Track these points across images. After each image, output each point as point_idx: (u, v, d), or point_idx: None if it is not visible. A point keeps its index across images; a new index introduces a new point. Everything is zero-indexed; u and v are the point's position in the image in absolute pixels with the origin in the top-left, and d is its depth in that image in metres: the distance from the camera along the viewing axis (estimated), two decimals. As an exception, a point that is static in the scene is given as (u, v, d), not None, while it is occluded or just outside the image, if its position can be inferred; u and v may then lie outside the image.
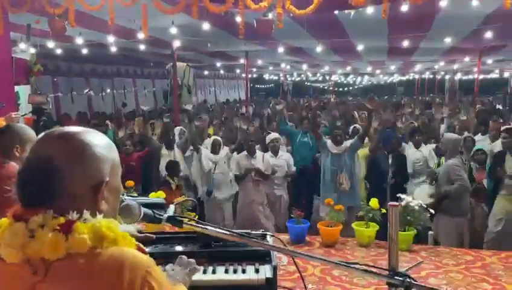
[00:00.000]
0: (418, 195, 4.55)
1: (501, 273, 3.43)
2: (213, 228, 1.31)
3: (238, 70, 19.06)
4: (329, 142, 5.43)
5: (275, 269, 1.50)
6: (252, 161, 5.37)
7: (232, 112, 12.45)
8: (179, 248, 1.68)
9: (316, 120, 6.39)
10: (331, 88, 31.50)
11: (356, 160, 5.56)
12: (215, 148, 5.88)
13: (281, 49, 10.59)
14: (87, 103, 13.67)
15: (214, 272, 1.58)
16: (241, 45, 9.99)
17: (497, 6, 6.30)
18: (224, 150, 5.98)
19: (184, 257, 1.35)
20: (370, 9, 5.12)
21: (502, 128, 5.34)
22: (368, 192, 5.72)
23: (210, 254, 1.65)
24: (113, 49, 8.99)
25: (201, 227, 1.27)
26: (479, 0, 5.70)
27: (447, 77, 20.87)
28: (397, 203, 1.27)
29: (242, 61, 13.56)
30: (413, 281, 1.20)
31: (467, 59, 14.18)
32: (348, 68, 19.66)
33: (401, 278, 1.21)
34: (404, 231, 3.96)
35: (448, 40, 9.88)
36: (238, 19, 5.37)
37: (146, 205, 1.31)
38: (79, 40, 7.09)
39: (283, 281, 3.22)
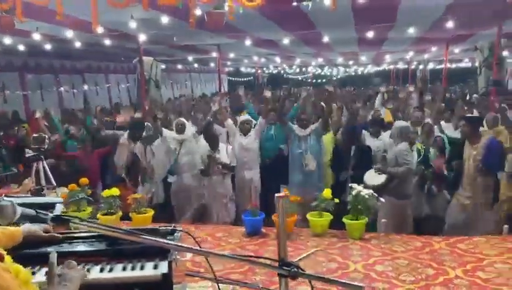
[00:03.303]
0: (368, 177, 4.63)
1: (446, 258, 3.53)
2: (107, 228, 1.29)
3: (212, 64, 18.92)
4: (295, 126, 5.59)
5: (170, 264, 1.50)
6: (216, 154, 5.36)
7: (205, 106, 12.35)
8: (81, 248, 1.66)
9: (282, 109, 6.45)
10: (309, 80, 31.63)
11: (322, 144, 5.67)
12: (178, 128, 5.86)
13: (248, 42, 10.55)
14: (58, 100, 13.40)
15: (111, 270, 1.57)
16: (208, 38, 9.92)
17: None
18: (191, 130, 5.98)
19: (73, 262, 1.33)
20: (327, 1, 5.12)
21: (462, 117, 5.44)
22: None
23: (109, 252, 1.64)
24: (77, 44, 8.81)
25: (91, 226, 1.26)
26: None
27: (421, 66, 21.15)
28: (284, 194, 1.27)
29: (215, 54, 13.47)
30: (300, 271, 1.21)
31: (435, 49, 14.37)
32: (320, 60, 19.74)
33: (288, 268, 1.22)
34: (356, 220, 4.02)
35: (414, 30, 9.97)
36: (199, 12, 5.34)
37: (31, 205, 1.29)
38: (36, 36, 6.90)
39: (232, 273, 3.25)
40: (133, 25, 6.44)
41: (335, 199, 4.17)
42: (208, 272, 3.28)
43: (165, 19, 6.26)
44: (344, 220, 4.08)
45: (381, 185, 4.51)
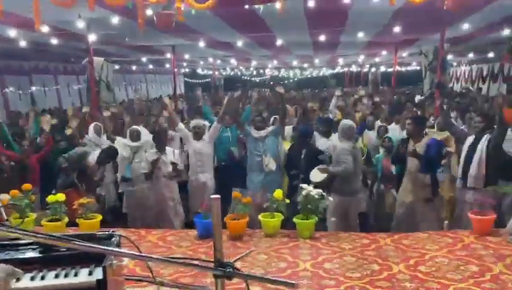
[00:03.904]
0: (312, 175, 4.73)
1: (391, 254, 3.67)
2: (37, 234, 1.25)
3: (168, 65, 18.68)
4: (252, 129, 5.61)
5: (105, 270, 1.48)
6: (163, 157, 5.30)
7: (159, 108, 12.15)
8: (10, 256, 1.60)
9: (238, 111, 6.46)
10: (267, 82, 31.96)
11: (280, 145, 5.73)
12: (132, 136, 5.75)
13: (203, 43, 10.52)
14: (3, 102, 12.73)
15: (42, 278, 1.52)
16: (162, 38, 9.79)
17: (403, 2, 6.65)
18: (146, 137, 5.87)
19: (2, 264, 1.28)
20: (278, 5, 5.20)
21: (409, 117, 5.68)
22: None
23: (42, 259, 1.59)
24: (22, 43, 8.43)
25: (20, 233, 1.22)
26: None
27: (373, 69, 21.94)
28: (219, 196, 1.28)
29: (170, 55, 13.31)
30: (235, 271, 1.23)
31: (385, 53, 14.95)
32: (276, 62, 20.00)
33: (223, 269, 1.23)
34: (306, 219, 4.11)
35: (364, 34, 10.34)
36: (149, 12, 5.26)
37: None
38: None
39: (182, 277, 3.22)
40: (80, 24, 6.25)
41: (286, 199, 4.23)
42: (158, 276, 3.25)
43: (115, 19, 6.12)
44: (295, 220, 4.15)
45: (323, 182, 4.59)
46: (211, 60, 16.81)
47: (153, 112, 10.00)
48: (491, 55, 14.57)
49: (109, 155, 5.50)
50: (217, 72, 21.53)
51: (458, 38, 10.57)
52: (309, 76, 33.97)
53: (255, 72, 30.46)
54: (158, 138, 5.45)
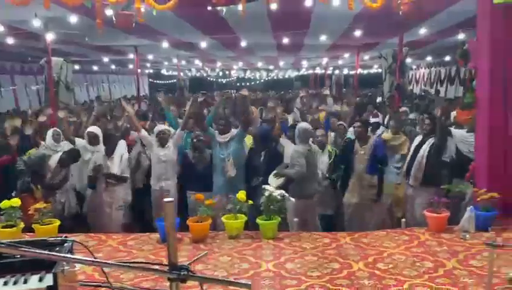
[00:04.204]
0: (271, 178, 4.77)
1: (351, 252, 3.76)
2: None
3: (131, 66, 18.33)
4: (216, 132, 5.55)
5: (56, 276, 1.44)
6: (108, 162, 5.18)
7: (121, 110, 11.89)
8: None
9: (202, 114, 6.40)
10: (233, 83, 32.01)
11: (245, 147, 5.71)
12: (91, 140, 5.60)
13: (166, 44, 10.40)
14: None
15: None
16: (124, 38, 9.61)
17: (362, 8, 6.84)
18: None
19: None
20: (239, 7, 5.22)
21: (357, 119, 5.83)
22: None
23: None
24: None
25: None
26: (343, 1, 6.11)
27: (337, 72, 22.42)
28: (172, 199, 1.28)
29: (132, 56, 13.08)
30: (190, 274, 1.23)
31: (347, 55, 15.28)
32: (241, 63, 20.05)
33: (178, 272, 1.23)
34: (270, 220, 4.14)
35: (327, 37, 10.53)
36: (110, 12, 5.15)
37: None
38: None
39: (144, 281, 3.18)
40: (37, 23, 6.04)
41: (249, 200, 4.25)
42: (118, 281, 3.19)
43: (73, 18, 5.95)
44: (258, 221, 4.18)
45: (280, 185, 4.63)
46: (175, 60, 16.62)
47: (116, 113, 9.79)
48: (448, 58, 15.20)
49: (72, 157, 5.34)
50: (182, 73, 21.30)
51: (416, 42, 10.96)
52: (275, 78, 34.26)
53: (221, 74, 30.43)
54: (107, 141, 5.32)
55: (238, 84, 34.57)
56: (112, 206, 5.21)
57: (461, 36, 9.25)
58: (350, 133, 6.84)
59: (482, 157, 4.53)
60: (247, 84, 35.36)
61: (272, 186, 4.42)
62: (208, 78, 32.96)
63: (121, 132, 6.34)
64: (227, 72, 29.43)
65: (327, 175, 5.49)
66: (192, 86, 25.78)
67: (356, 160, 4.96)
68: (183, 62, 17.95)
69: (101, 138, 5.66)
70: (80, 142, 5.81)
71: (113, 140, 5.46)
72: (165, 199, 1.27)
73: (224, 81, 35.24)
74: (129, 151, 5.74)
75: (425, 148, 4.95)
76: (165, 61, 18.08)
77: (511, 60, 4.25)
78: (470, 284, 3.09)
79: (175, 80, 24.29)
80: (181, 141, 5.70)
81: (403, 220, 4.63)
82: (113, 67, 19.70)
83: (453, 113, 6.61)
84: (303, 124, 5.19)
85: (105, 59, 15.13)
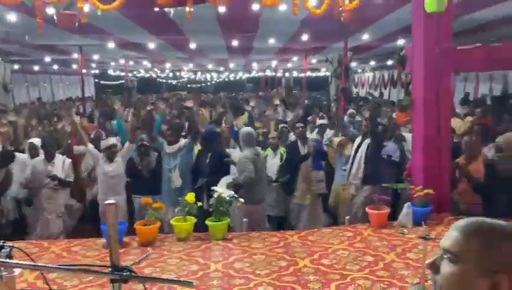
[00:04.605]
0: (221, 185, 4.77)
1: (297, 250, 3.88)
2: None
3: (75, 66, 17.66)
4: (165, 143, 5.48)
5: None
6: (49, 167, 5.01)
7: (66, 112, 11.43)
8: None
9: (151, 121, 6.28)
10: (184, 85, 31.73)
11: (192, 158, 5.67)
12: (31, 153, 5.37)
13: (113, 44, 10.15)
14: None
15: None
16: (68, 38, 9.27)
17: (307, 13, 7.05)
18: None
19: None
20: (187, 8, 5.21)
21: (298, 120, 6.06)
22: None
23: None
24: None
25: None
26: (290, 6, 6.27)
27: (286, 74, 22.88)
28: (114, 202, 1.30)
29: (77, 55, 12.62)
30: (132, 274, 1.25)
31: (296, 59, 15.66)
32: (192, 65, 19.93)
33: (120, 273, 1.25)
34: (219, 221, 4.18)
35: (275, 40, 10.74)
36: (51, 10, 4.96)
37: None
38: None
39: (89, 287, 3.11)
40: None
41: (199, 202, 4.27)
42: (62, 288, 3.10)
43: (12, 16, 5.67)
44: (207, 222, 4.20)
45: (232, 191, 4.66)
46: (122, 61, 16.22)
47: (59, 112, 9.40)
48: (390, 62, 15.96)
49: (5, 158, 5.09)
50: (130, 74, 20.80)
51: (360, 47, 11.45)
52: (226, 79, 34.31)
53: (171, 75, 29.97)
54: (46, 146, 5.13)
55: (188, 85, 34.28)
56: (53, 213, 5.01)
57: (400, 42, 9.77)
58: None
59: (418, 156, 4.83)
60: (198, 85, 35.17)
61: (229, 192, 4.47)
62: (157, 79, 32.40)
63: (63, 149, 6.01)
64: (177, 74, 29.05)
65: (276, 177, 5.61)
66: (140, 86, 25.19)
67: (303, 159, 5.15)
68: (131, 63, 17.56)
69: (40, 149, 5.39)
70: (20, 157, 5.51)
71: (53, 145, 5.25)
72: (107, 201, 1.28)
73: (174, 82, 34.78)
74: (75, 167, 5.52)
75: (364, 148, 5.24)
76: (112, 61, 17.59)
77: (443, 65, 4.57)
78: (406, 275, 3.30)
79: (123, 81, 23.68)
80: (130, 153, 5.45)
81: (347, 217, 4.84)
82: (56, 67, 18.86)
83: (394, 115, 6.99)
84: (246, 129, 5.22)
85: (48, 59, 14.48)
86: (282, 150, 5.87)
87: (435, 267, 1.05)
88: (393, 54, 12.62)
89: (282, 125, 6.97)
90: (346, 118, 8.14)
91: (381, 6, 6.21)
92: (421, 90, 4.67)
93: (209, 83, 36.35)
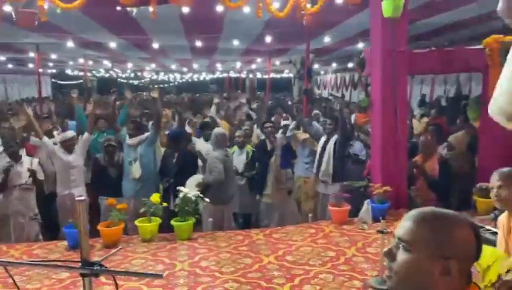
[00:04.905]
0: (189, 184, 4.82)
1: (262, 247, 3.97)
2: None
3: (31, 65, 16.98)
4: (127, 135, 5.44)
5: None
6: (18, 167, 4.86)
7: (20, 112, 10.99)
8: None
9: (115, 115, 6.21)
10: (146, 85, 31.20)
11: (156, 150, 5.65)
12: None
13: (72, 43, 9.88)
14: None
15: None
16: (23, 36, 8.94)
17: (271, 15, 7.16)
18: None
19: None
20: (150, 8, 5.18)
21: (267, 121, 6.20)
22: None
23: None
24: None
25: None
26: (254, 8, 6.36)
27: (250, 75, 23.02)
28: (84, 198, 1.32)
29: (33, 54, 12.17)
30: (103, 268, 1.28)
31: (260, 60, 15.78)
32: (154, 65, 19.67)
33: (91, 267, 1.27)
34: (185, 221, 4.20)
35: (240, 42, 10.80)
36: (8, 8, 4.79)
37: None
38: None
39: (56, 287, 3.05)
40: None
41: (164, 203, 4.26)
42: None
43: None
44: (172, 222, 4.21)
45: (200, 191, 4.71)
46: (81, 60, 15.77)
47: (13, 111, 9.05)
48: (350, 65, 16.40)
49: None
50: (89, 74, 20.21)
51: (322, 50, 11.71)
52: (190, 80, 34.03)
53: (132, 75, 29.40)
54: (8, 145, 4.97)
55: (150, 86, 33.72)
56: (26, 216, 4.85)
57: (360, 45, 10.11)
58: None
59: (377, 155, 5.03)
60: (161, 86, 34.70)
61: (195, 192, 4.50)
62: (118, 79, 31.71)
63: (20, 140, 5.86)
64: (139, 74, 28.53)
65: (242, 172, 5.71)
66: (100, 87, 24.59)
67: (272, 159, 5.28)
68: (91, 62, 17.08)
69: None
70: None
71: (15, 144, 5.09)
72: (77, 198, 1.30)
73: (135, 83, 34.14)
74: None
75: (331, 145, 5.41)
76: (71, 60, 17.06)
77: (400, 67, 4.79)
78: (366, 268, 3.45)
79: (81, 81, 23.01)
80: (87, 145, 5.46)
81: (310, 215, 4.97)
82: (10, 66, 18.08)
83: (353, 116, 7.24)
84: (219, 130, 5.31)
85: (1, 57, 13.86)
86: (249, 147, 5.95)
87: (391, 255, 1.13)
88: (354, 56, 13.05)
89: (246, 128, 7.07)
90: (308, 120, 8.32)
91: (342, 11, 6.39)
92: (379, 92, 4.88)
93: (171, 84, 35.95)
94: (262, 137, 6.81)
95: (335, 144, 5.46)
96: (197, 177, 4.90)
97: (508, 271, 2.39)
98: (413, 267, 1.08)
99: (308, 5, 4.94)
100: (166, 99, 18.56)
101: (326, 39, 9.85)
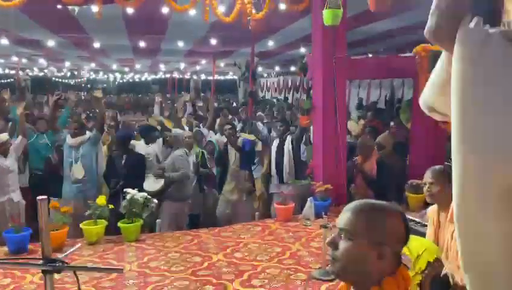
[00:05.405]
0: (147, 185, 4.88)
1: (211, 246, 4.06)
2: None
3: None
4: (68, 135, 5.28)
5: None
6: None
7: None
8: None
9: (55, 115, 6.00)
10: (83, 84, 30.02)
11: (99, 152, 5.53)
12: None
13: (3, 40, 9.36)
14: None
15: None
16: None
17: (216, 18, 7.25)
18: None
19: None
20: (94, 8, 5.09)
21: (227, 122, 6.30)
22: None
23: None
24: None
25: None
26: (200, 10, 6.42)
27: (195, 77, 22.88)
28: (45, 197, 1.36)
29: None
30: (65, 265, 1.32)
31: (204, 62, 15.80)
32: (94, 64, 19.02)
33: (53, 264, 1.31)
34: (132, 222, 4.18)
35: (184, 43, 10.78)
36: None
37: None
38: None
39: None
40: None
41: (110, 205, 4.21)
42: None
43: None
44: (119, 224, 4.18)
45: (161, 190, 4.80)
46: (15, 58, 14.90)
47: None
48: (293, 68, 16.88)
49: None
50: (21, 72, 19.09)
51: (266, 53, 11.99)
52: (131, 80, 33.15)
53: (69, 74, 28.13)
54: None
55: (88, 85, 32.48)
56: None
57: (303, 50, 10.49)
58: (212, 137, 7.19)
59: (318, 155, 5.30)
60: (99, 86, 33.49)
61: (150, 190, 4.53)
62: (53, 79, 30.17)
63: None
64: (76, 73, 27.35)
65: (197, 170, 5.78)
66: (34, 86, 23.27)
67: (230, 158, 5.38)
68: (24, 60, 16.18)
69: None
70: None
71: None
72: (39, 197, 1.33)
73: (72, 82, 32.69)
74: None
75: (288, 145, 5.60)
76: (2, 58, 16.06)
77: (339, 73, 5.09)
78: (310, 262, 3.66)
79: (12, 79, 21.65)
80: (22, 148, 5.22)
81: (257, 213, 5.14)
82: None
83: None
84: (177, 130, 5.53)
85: None
86: (197, 149, 6.00)
87: (334, 244, 1.27)
88: (297, 60, 13.49)
89: (196, 129, 7.11)
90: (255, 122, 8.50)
91: (285, 16, 6.65)
92: (320, 95, 5.15)
93: (111, 84, 34.84)
94: (210, 138, 6.91)
95: (291, 142, 5.64)
96: (151, 178, 4.94)
97: (435, 260, 2.67)
98: (354, 253, 1.21)
99: (254, 11, 5.10)
100: (106, 100, 17.98)
101: (270, 43, 10.12)
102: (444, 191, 2.81)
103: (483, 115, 1.13)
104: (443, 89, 1.34)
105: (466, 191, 1.15)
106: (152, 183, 4.84)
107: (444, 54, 1.36)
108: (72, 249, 1.54)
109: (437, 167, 2.93)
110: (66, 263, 1.32)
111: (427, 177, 2.89)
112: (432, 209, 3.00)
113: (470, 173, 1.14)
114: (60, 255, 1.38)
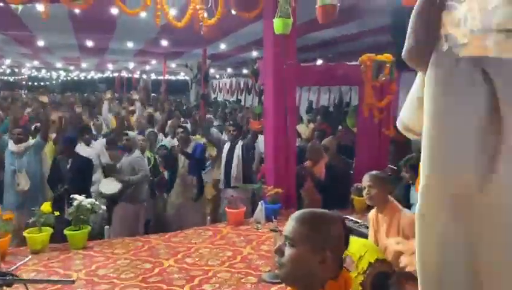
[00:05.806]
0: (103, 186, 4.83)
1: (162, 252, 4.04)
2: None
3: None
4: (10, 141, 5.02)
5: None
6: None
7: None
8: None
9: None
10: (23, 82, 28.45)
11: (43, 157, 5.31)
12: None
13: None
14: None
15: None
16: None
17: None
18: None
19: None
20: (40, 8, 4.88)
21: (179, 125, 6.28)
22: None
23: None
24: None
25: None
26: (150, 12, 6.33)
27: (144, 76, 22.41)
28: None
29: None
30: (15, 278, 1.30)
31: (155, 62, 15.52)
32: (36, 62, 18.14)
33: (4, 277, 1.28)
34: (79, 229, 4.07)
35: (133, 43, 10.56)
36: None
37: None
38: None
39: None
40: None
41: (55, 212, 4.07)
42: None
43: None
44: (66, 232, 4.05)
45: (118, 192, 4.72)
46: None
47: None
48: (245, 71, 17.00)
49: None
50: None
51: (218, 55, 12.00)
52: (76, 78, 31.83)
53: (8, 71, 26.58)
54: None
55: (30, 83, 30.85)
56: None
57: (255, 53, 10.60)
58: (164, 141, 7.10)
59: (270, 159, 5.41)
60: (41, 83, 31.90)
61: (107, 193, 4.44)
62: (-9, 76, 28.36)
63: None
64: (16, 70, 25.90)
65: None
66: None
67: (180, 162, 5.37)
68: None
69: None
70: None
71: None
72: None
73: (12, 80, 30.87)
74: None
75: (238, 151, 5.64)
76: None
77: (289, 79, 5.23)
78: (260, 265, 3.74)
79: None
80: None
81: (208, 218, 5.16)
82: None
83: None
84: (132, 133, 5.48)
85: None
86: (148, 153, 5.92)
87: (280, 251, 1.35)
88: (248, 63, 13.60)
89: (150, 130, 7.01)
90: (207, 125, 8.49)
91: (237, 20, 6.71)
92: (271, 100, 5.26)
93: (54, 82, 33.29)
94: (162, 143, 6.82)
95: (241, 147, 5.70)
96: (107, 180, 4.84)
97: (376, 260, 2.85)
98: (298, 259, 1.29)
99: (205, 15, 5.11)
100: (50, 99, 17.18)
101: (222, 45, 10.16)
102: (381, 194, 3.01)
103: (445, 135, 1.26)
104: (417, 110, 1.47)
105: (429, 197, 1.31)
106: (108, 185, 4.75)
107: (419, 75, 1.47)
108: (22, 261, 1.51)
109: (374, 171, 3.13)
110: (16, 276, 1.30)
111: (365, 181, 3.07)
112: (372, 212, 3.20)
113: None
114: (6, 268, 1.35)
